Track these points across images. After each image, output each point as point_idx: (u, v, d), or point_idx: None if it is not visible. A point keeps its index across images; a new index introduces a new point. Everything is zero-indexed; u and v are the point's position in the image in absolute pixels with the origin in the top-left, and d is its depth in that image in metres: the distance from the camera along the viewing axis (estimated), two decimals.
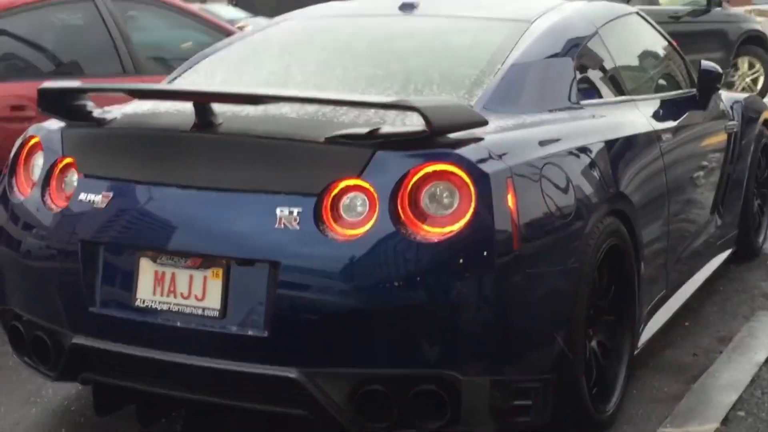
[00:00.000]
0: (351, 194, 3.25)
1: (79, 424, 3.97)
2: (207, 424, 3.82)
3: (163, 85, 4.30)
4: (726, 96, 5.83)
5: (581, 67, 4.29)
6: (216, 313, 3.31)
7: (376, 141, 3.25)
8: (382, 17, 4.65)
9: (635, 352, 4.11)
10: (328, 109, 3.53)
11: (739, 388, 4.08)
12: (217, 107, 3.52)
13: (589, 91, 4.34)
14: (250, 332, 3.26)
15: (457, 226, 3.18)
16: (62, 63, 6.11)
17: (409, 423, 3.25)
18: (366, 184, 3.23)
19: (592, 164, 3.76)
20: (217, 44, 4.72)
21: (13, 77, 5.77)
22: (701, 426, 3.73)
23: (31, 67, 5.97)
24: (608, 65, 4.57)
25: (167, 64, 6.16)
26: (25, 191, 3.76)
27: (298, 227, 3.22)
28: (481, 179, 3.20)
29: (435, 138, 3.26)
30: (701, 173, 5.06)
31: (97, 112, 3.78)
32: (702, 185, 5.08)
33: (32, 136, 3.82)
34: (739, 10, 15.93)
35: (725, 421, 3.79)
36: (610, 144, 3.97)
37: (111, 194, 3.51)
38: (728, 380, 4.19)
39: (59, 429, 3.93)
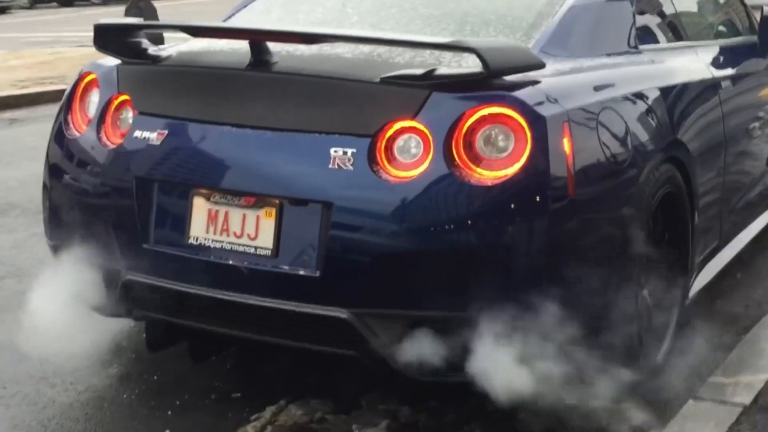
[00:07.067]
0: (405, 136, 3.23)
1: (131, 360, 4.02)
2: (258, 361, 3.85)
3: (219, 23, 4.29)
4: None
5: (640, 11, 4.22)
6: (268, 253, 3.32)
7: (431, 82, 3.22)
8: None
9: (686, 302, 4.07)
10: (383, 49, 3.50)
11: None
12: (272, 46, 3.50)
13: (648, 35, 4.27)
14: (301, 272, 3.27)
15: (511, 170, 3.15)
16: None
17: (457, 366, 3.25)
18: (421, 126, 3.20)
19: (649, 110, 3.70)
20: None
21: None
22: (753, 376, 3.70)
23: None
24: (668, 10, 4.49)
25: None
26: (80, 128, 3.77)
27: (351, 168, 3.21)
28: (537, 123, 3.16)
29: (491, 80, 3.22)
30: (758, 124, 4.97)
31: (152, 50, 3.78)
32: (759, 136, 4.99)
33: (88, 73, 3.83)
34: None
35: None
36: (668, 90, 3.91)
37: (166, 132, 3.52)
38: None
39: (111, 365, 3.98)
